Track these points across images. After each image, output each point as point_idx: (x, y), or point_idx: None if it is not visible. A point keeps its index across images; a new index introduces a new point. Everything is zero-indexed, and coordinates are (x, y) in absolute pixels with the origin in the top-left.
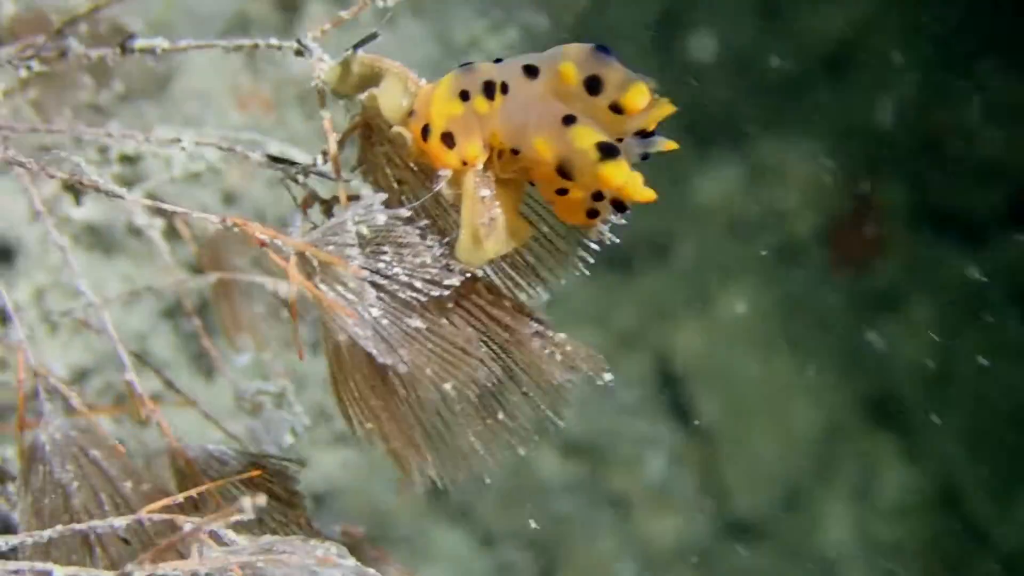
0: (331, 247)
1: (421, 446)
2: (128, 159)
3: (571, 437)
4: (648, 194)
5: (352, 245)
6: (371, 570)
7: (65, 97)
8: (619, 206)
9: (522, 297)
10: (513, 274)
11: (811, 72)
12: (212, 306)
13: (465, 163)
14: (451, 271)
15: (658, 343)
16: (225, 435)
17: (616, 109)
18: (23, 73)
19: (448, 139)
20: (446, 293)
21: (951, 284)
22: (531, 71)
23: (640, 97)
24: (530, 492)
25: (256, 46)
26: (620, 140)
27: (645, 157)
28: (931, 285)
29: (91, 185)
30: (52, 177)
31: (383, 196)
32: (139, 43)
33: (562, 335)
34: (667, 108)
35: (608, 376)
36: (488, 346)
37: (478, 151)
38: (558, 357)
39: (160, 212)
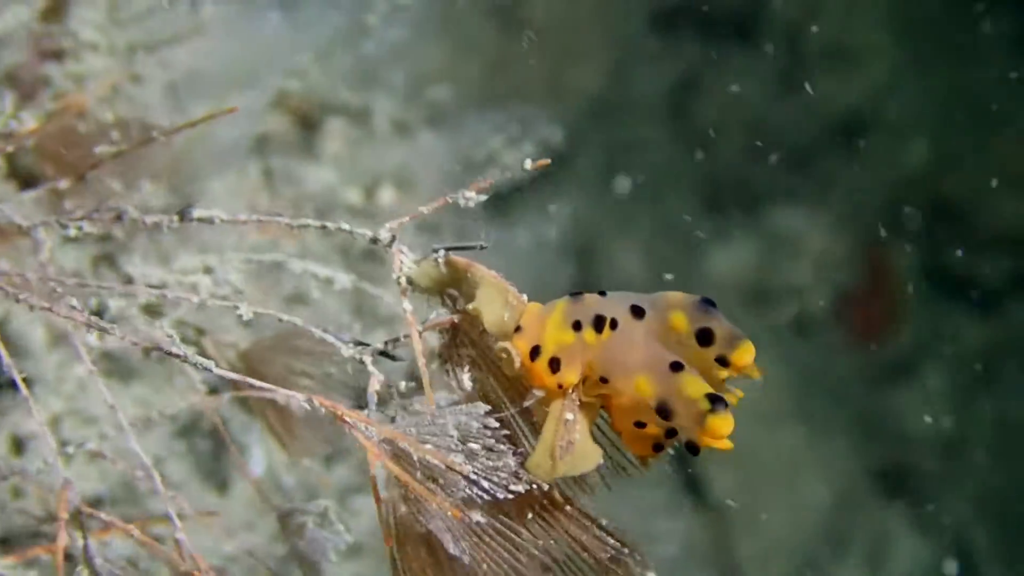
0: (429, 444)
1: None
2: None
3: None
4: (728, 445)
5: (456, 451)
6: None
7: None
8: (692, 449)
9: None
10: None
11: (825, 141)
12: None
13: (560, 387)
14: (519, 478)
15: None
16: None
17: (722, 362)
18: (72, 232)
19: (555, 364)
20: (510, 497)
21: (965, 353)
22: (638, 311)
23: (749, 354)
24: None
25: (324, 227)
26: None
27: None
28: (945, 354)
29: (151, 346)
30: (102, 330)
31: (485, 407)
32: (198, 213)
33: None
34: (756, 373)
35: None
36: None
37: (576, 379)
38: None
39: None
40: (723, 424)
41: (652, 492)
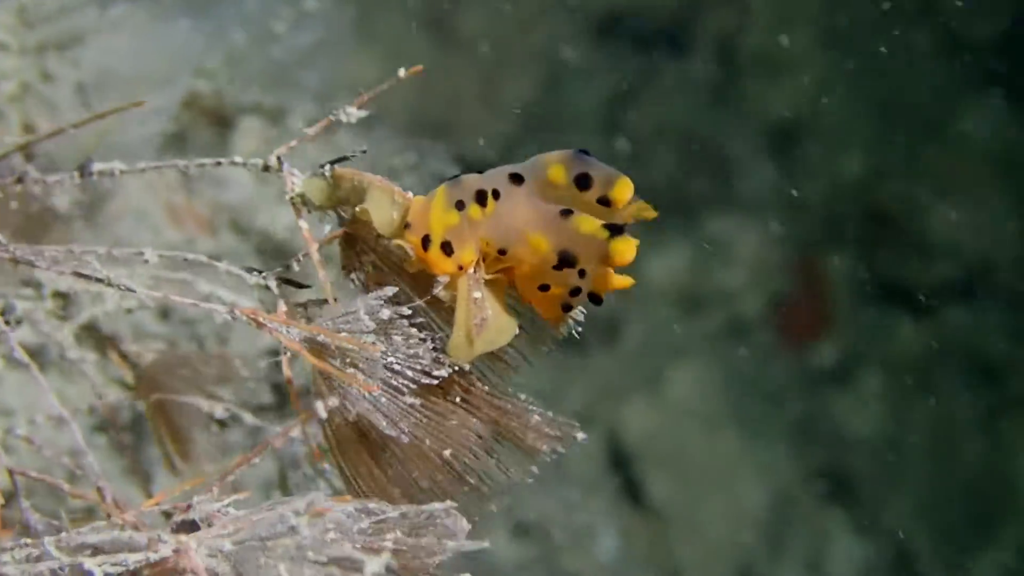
0: (345, 333)
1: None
2: (61, 295)
3: (522, 518)
4: (627, 281)
5: (369, 332)
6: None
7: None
8: (595, 299)
9: (495, 380)
10: (488, 363)
11: (759, 150)
12: (150, 426)
13: (461, 268)
14: (440, 364)
15: (608, 422)
16: None
17: (604, 202)
18: None
19: (447, 247)
20: (435, 383)
21: (900, 357)
22: (517, 178)
23: (627, 189)
24: (482, 574)
25: (219, 163)
26: None
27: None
28: (880, 359)
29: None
30: None
31: (392, 290)
32: (97, 167)
33: (536, 415)
34: (649, 212)
35: (581, 436)
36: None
37: (473, 257)
38: (542, 428)
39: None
40: (627, 247)
41: (589, 497)
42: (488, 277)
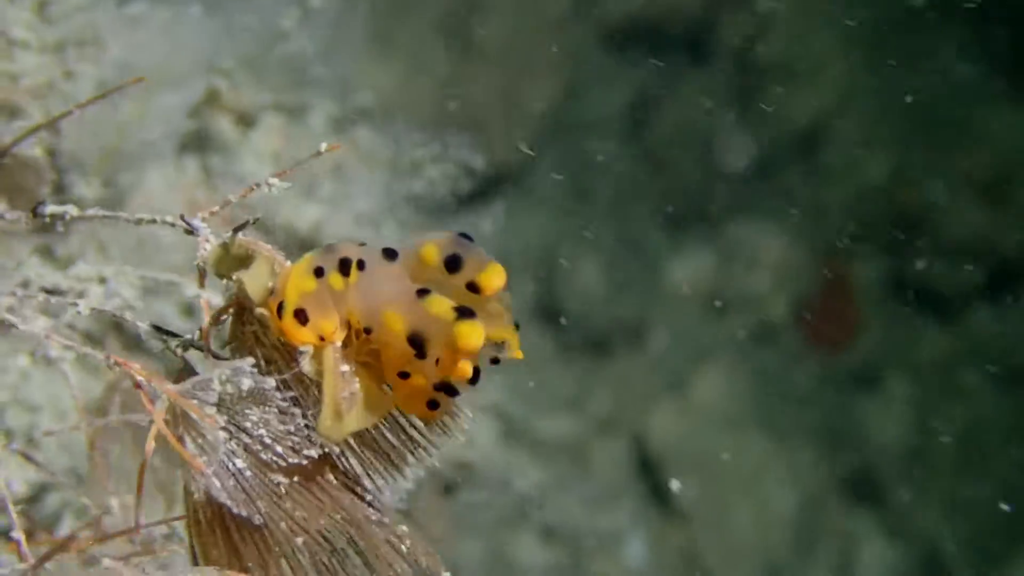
0: (195, 401)
1: None
2: (48, 292)
3: (550, 523)
4: (465, 372)
5: (213, 403)
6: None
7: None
8: (449, 389)
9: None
10: (369, 455)
11: (781, 154)
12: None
13: (323, 339)
14: (312, 443)
15: (634, 427)
16: None
17: (473, 288)
18: None
19: (301, 315)
20: (304, 462)
21: (927, 360)
22: (390, 253)
23: (496, 277)
24: None
25: (153, 221)
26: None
27: (495, 361)
28: (907, 361)
29: None
30: None
31: (250, 361)
32: (50, 209)
33: (404, 528)
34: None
35: (447, 574)
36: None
37: (334, 327)
38: (401, 547)
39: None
40: (471, 331)
41: (617, 502)
42: (358, 359)
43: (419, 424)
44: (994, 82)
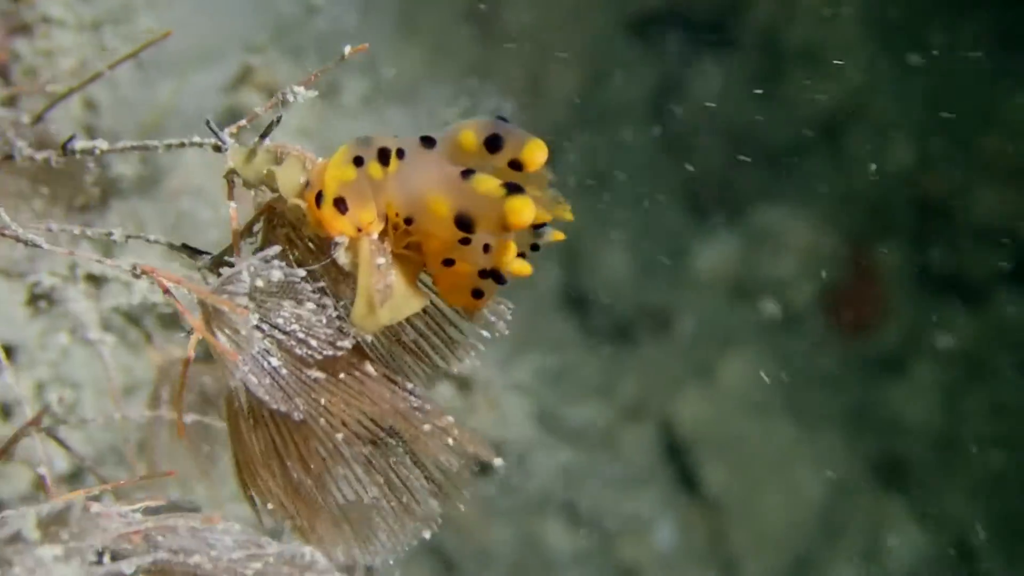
0: (225, 295)
1: (328, 525)
2: (93, 279)
3: (579, 508)
4: (525, 268)
5: (244, 294)
6: (249, 533)
7: (61, 194)
8: (498, 277)
9: (417, 381)
10: (408, 359)
11: (806, 140)
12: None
13: (360, 230)
14: (345, 334)
15: (662, 413)
16: None
17: (515, 165)
18: None
19: (341, 204)
20: (339, 354)
21: (953, 345)
22: (428, 141)
23: (539, 152)
24: (539, 565)
25: (183, 144)
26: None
27: (535, 248)
28: (933, 346)
29: None
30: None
31: (277, 249)
32: (80, 144)
33: (450, 418)
34: (566, 212)
35: (499, 462)
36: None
37: (372, 217)
38: (447, 440)
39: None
40: (522, 205)
41: (646, 488)
42: (398, 252)
43: (458, 321)
44: (1018, 67)
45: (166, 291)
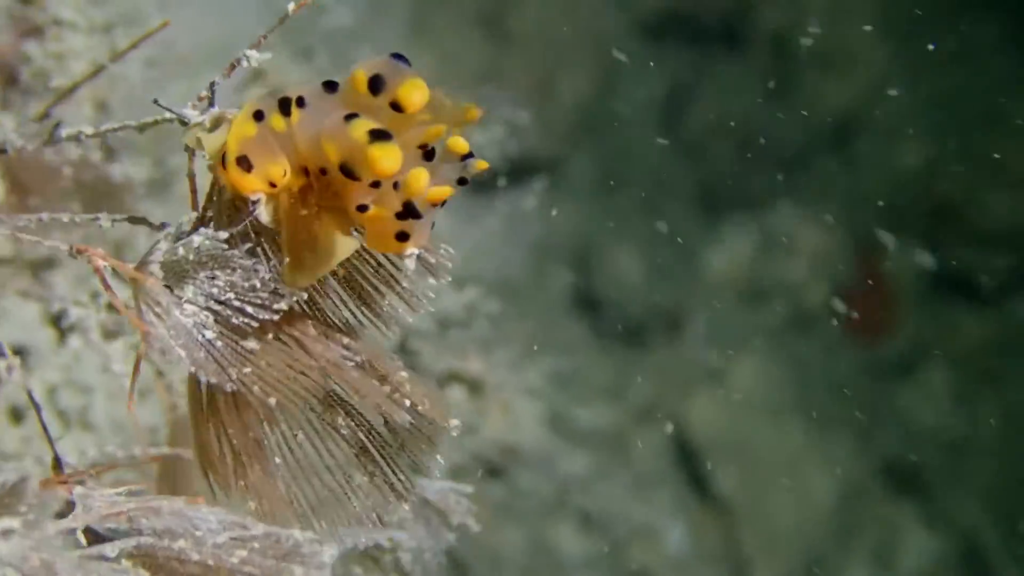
0: (146, 268)
1: (282, 503)
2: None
3: (590, 511)
4: (443, 192)
5: (156, 262)
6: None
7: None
8: (411, 213)
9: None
10: (354, 308)
11: (818, 142)
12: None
13: (274, 185)
14: (280, 296)
15: (674, 416)
16: None
17: (396, 107)
18: None
19: (244, 162)
20: (275, 317)
21: (966, 348)
22: (331, 86)
23: (415, 91)
24: (550, 568)
25: (156, 122)
26: (429, 157)
27: (463, 182)
28: (946, 349)
29: None
30: None
31: (192, 216)
32: (66, 132)
33: (403, 374)
34: (473, 112)
35: (455, 422)
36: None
37: (281, 171)
38: (401, 398)
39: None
40: (383, 153)
41: (657, 491)
42: (321, 204)
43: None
44: None
45: (97, 269)
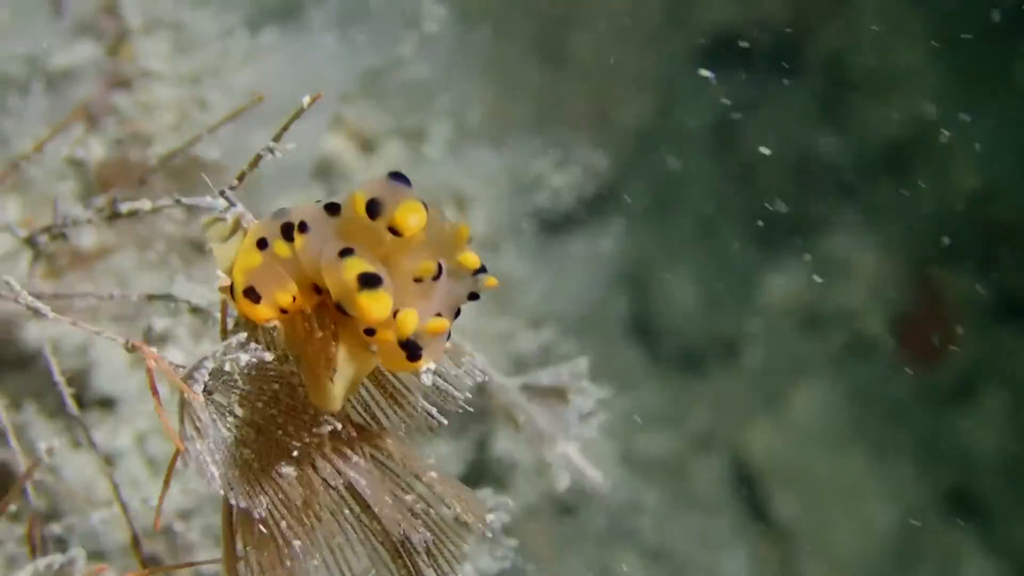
0: (191, 382)
1: None
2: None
3: (650, 539)
4: (441, 325)
5: (203, 374)
6: None
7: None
8: (408, 346)
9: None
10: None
11: (874, 166)
12: None
13: (285, 311)
14: (322, 420)
15: (733, 443)
16: None
17: (394, 231)
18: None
19: (251, 294)
20: (315, 440)
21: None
22: (332, 208)
23: (411, 216)
24: None
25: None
26: (437, 277)
27: (475, 297)
28: (1004, 374)
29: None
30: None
31: (243, 335)
32: (126, 207)
33: (434, 474)
34: (465, 232)
35: (491, 517)
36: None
37: (290, 297)
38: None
39: None
40: (371, 302)
41: (716, 518)
42: (338, 320)
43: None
44: None
45: (149, 370)
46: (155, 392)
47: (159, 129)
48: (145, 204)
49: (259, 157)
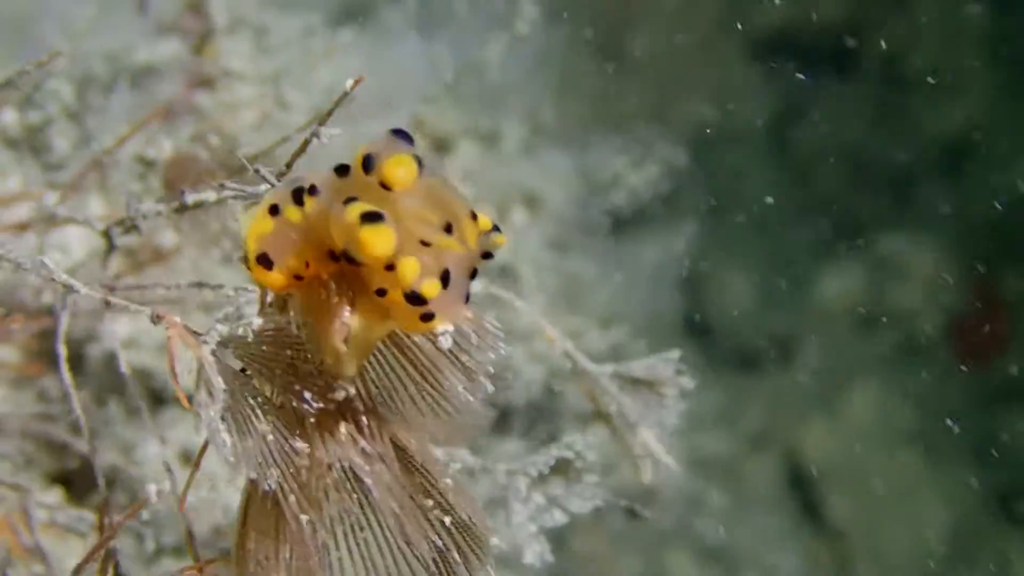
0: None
1: None
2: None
3: (705, 542)
4: (432, 288)
5: (213, 340)
6: None
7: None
8: (413, 298)
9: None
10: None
11: (929, 166)
12: None
13: (300, 277)
14: (337, 387)
15: (787, 443)
16: None
17: (384, 186)
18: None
19: (264, 260)
20: (331, 407)
21: None
22: (342, 170)
23: (399, 169)
24: None
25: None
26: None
27: (488, 256)
28: None
29: None
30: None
31: (254, 296)
32: (192, 199)
33: (448, 481)
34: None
35: (495, 541)
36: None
37: (303, 263)
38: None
39: None
40: (373, 236)
41: (770, 518)
42: (353, 285)
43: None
44: None
45: (170, 339)
46: (172, 362)
47: (240, 128)
48: (210, 196)
49: (306, 142)
